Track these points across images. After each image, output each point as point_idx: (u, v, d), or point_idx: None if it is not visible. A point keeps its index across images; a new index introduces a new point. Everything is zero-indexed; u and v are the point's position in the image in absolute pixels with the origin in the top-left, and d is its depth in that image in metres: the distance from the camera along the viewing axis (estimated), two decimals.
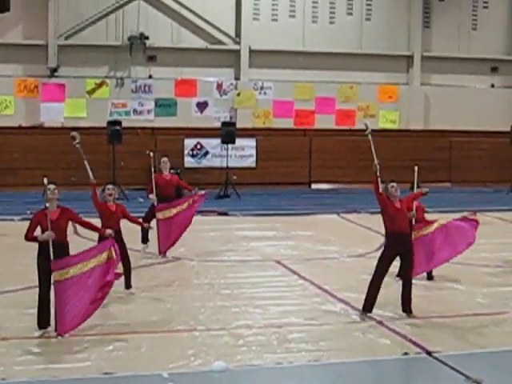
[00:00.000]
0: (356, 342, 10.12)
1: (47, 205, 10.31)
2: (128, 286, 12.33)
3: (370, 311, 11.17)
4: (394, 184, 11.34)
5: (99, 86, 25.42)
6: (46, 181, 10.40)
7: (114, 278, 10.36)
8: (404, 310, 11.18)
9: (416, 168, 13.14)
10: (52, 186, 10.50)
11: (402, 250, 11.12)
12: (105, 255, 10.13)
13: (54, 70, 24.96)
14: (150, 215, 15.55)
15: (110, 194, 12.59)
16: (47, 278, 10.01)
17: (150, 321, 10.67)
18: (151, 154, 16.12)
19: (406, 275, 11.29)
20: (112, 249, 10.23)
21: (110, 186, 12.83)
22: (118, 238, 11.76)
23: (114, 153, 23.10)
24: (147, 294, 12.29)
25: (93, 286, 10.07)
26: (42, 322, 10.15)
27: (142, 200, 18.90)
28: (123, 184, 22.92)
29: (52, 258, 9.89)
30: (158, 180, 15.72)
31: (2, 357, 9.11)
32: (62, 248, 10.25)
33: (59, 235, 10.13)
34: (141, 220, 14.06)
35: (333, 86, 27.06)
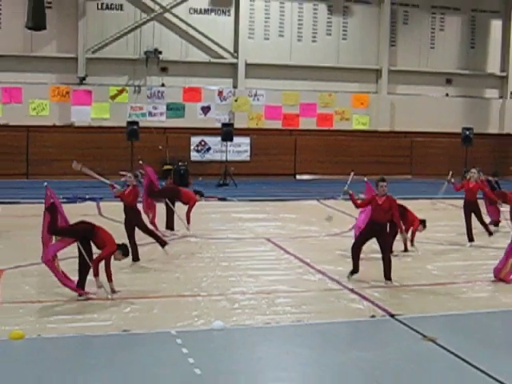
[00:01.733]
0: (332, 306, 10.15)
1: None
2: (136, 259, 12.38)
3: (357, 271, 11.35)
4: (384, 184, 11.20)
5: (120, 92, 25.34)
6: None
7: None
8: (386, 278, 11.25)
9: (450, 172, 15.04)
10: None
11: (377, 235, 11.24)
12: None
13: (83, 78, 24.89)
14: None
15: (130, 179, 12.88)
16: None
17: (161, 287, 10.67)
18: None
19: (384, 254, 11.31)
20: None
21: (129, 174, 13.02)
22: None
23: (132, 148, 23.02)
24: (159, 266, 12.27)
25: None
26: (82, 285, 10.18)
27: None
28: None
29: None
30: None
31: (38, 316, 9.16)
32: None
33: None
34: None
35: (314, 94, 27.01)
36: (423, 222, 13.91)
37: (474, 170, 15.52)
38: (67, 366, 7.52)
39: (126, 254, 10.38)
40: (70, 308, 9.62)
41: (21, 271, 11.54)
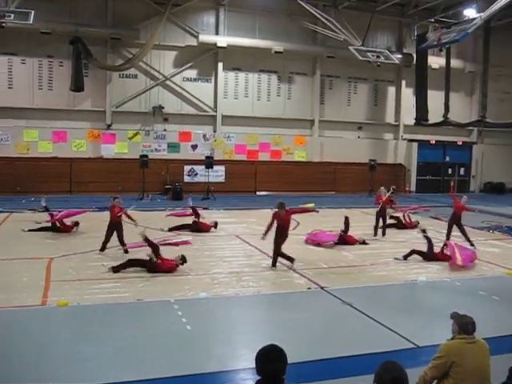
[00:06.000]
0: (280, 281, 10.22)
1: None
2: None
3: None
4: (284, 203, 11.16)
5: (135, 135, 25.06)
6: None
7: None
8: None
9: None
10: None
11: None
12: None
13: (109, 125, 24.60)
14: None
15: (118, 202, 12.11)
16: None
17: None
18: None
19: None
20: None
21: (117, 199, 12.21)
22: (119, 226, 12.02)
23: (143, 173, 22.76)
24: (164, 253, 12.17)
25: None
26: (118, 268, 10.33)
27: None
28: (148, 191, 22.89)
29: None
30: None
31: (78, 290, 9.04)
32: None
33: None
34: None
35: (269, 136, 27.04)
36: (364, 242, 14.01)
37: (382, 188, 15.54)
38: (98, 324, 7.47)
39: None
40: (100, 284, 9.51)
41: (66, 259, 11.40)
